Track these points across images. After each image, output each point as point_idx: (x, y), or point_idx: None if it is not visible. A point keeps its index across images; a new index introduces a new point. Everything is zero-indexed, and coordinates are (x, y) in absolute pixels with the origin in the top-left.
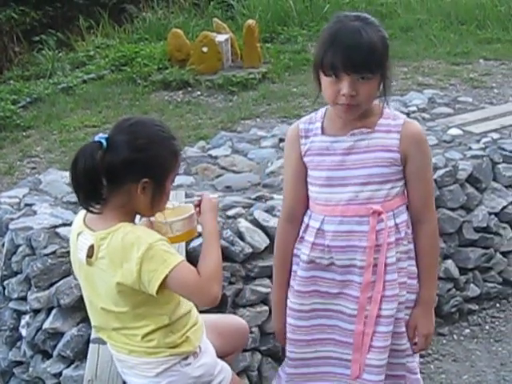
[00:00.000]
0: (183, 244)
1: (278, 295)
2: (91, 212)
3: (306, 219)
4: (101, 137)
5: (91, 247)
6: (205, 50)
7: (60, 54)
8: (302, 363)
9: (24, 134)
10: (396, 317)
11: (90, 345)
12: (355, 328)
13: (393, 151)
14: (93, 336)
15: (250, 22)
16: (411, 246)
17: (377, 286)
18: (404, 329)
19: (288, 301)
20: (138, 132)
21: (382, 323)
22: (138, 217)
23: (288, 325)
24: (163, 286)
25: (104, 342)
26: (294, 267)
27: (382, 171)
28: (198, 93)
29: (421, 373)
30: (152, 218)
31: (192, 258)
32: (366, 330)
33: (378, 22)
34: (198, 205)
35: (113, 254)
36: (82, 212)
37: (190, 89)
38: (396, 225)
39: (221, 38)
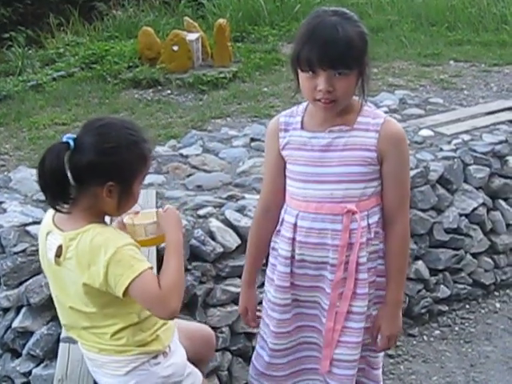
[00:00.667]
0: (154, 250)
1: (246, 278)
2: (59, 211)
3: (282, 212)
4: (68, 137)
5: (60, 247)
6: (175, 48)
7: (30, 52)
8: (286, 353)
9: None
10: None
11: (60, 344)
12: (326, 324)
13: (370, 150)
14: (63, 335)
15: (221, 21)
16: (382, 246)
17: (348, 283)
18: (369, 324)
19: (269, 294)
20: (106, 135)
21: (354, 319)
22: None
23: (272, 318)
24: (127, 291)
25: (74, 342)
26: (272, 260)
27: (358, 170)
28: (169, 91)
29: (391, 373)
30: (125, 220)
31: None
32: (335, 327)
33: (357, 17)
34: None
35: (81, 255)
36: (51, 211)
37: (160, 87)
38: (368, 225)
39: (191, 36)
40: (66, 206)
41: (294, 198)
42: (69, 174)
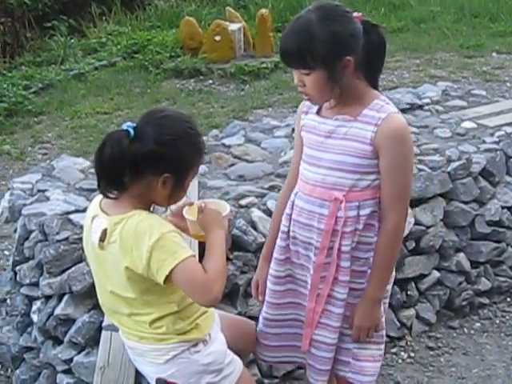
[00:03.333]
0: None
1: (264, 252)
2: (108, 198)
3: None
4: (129, 125)
5: (104, 231)
6: (217, 38)
7: (72, 41)
8: (275, 324)
9: (35, 119)
10: (350, 301)
11: (103, 332)
12: (307, 305)
13: (365, 143)
14: (105, 323)
15: (263, 11)
16: (377, 239)
17: (330, 267)
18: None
19: (270, 268)
20: (166, 126)
21: (335, 304)
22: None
23: (267, 289)
24: (170, 277)
25: (116, 329)
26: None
27: (352, 161)
28: (210, 81)
29: (430, 365)
30: (185, 214)
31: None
32: (316, 308)
33: (345, 14)
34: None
35: (125, 239)
36: (99, 196)
37: (201, 77)
38: (358, 216)
39: (234, 26)
40: (116, 192)
41: (300, 177)
42: (127, 162)
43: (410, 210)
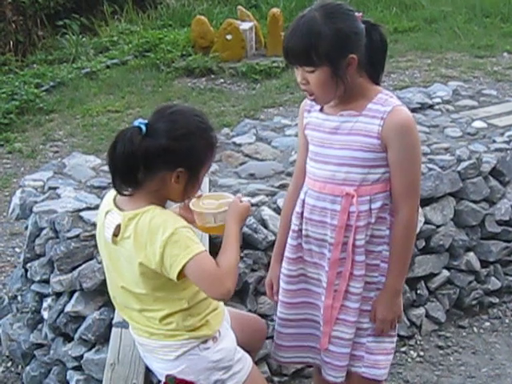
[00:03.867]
0: (206, 235)
1: (275, 252)
2: (123, 195)
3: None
4: (141, 122)
5: (118, 226)
6: (229, 37)
7: (83, 39)
8: (289, 323)
9: (47, 117)
10: (365, 295)
11: (113, 329)
12: (325, 302)
13: (372, 137)
14: (115, 320)
15: (275, 10)
16: (388, 232)
17: (346, 263)
18: (369, 308)
19: (282, 268)
20: (177, 121)
21: (351, 299)
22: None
23: (280, 288)
24: (183, 271)
25: (126, 326)
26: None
27: (360, 155)
28: (222, 80)
29: (440, 364)
30: (192, 205)
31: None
32: (334, 304)
33: (349, 13)
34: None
35: (139, 234)
36: (112, 191)
37: (213, 76)
38: (370, 209)
39: (245, 25)
40: (130, 189)
41: (308, 175)
42: (140, 158)
43: (420, 210)
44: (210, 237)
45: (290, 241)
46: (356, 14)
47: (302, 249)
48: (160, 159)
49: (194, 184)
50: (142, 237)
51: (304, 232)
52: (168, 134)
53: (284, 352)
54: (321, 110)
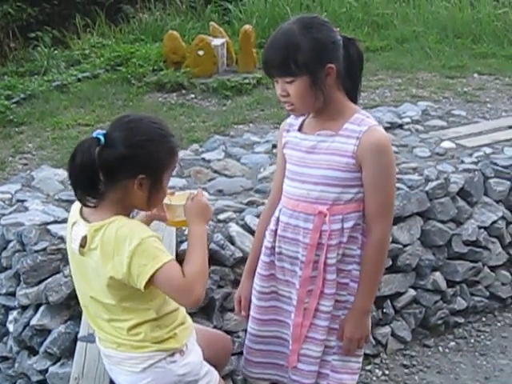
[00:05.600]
0: (174, 244)
1: (247, 268)
2: (87, 206)
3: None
4: (98, 133)
5: (84, 237)
6: (200, 53)
7: (55, 52)
8: (259, 339)
9: (17, 129)
10: (333, 313)
11: (78, 343)
12: (294, 320)
13: (347, 156)
14: (80, 334)
15: (247, 27)
16: (359, 252)
17: (317, 281)
18: (337, 326)
19: (254, 284)
20: (135, 129)
21: (321, 317)
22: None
23: (252, 304)
24: (150, 282)
25: (92, 340)
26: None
27: (335, 175)
28: (192, 96)
29: (405, 383)
30: (165, 201)
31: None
32: (304, 322)
33: (323, 24)
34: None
35: (105, 245)
36: (78, 203)
37: (184, 91)
38: (342, 229)
39: (217, 41)
40: (94, 200)
41: (284, 194)
42: (100, 169)
43: None
44: (176, 248)
45: (262, 257)
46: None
47: (274, 266)
48: (120, 167)
49: (158, 190)
50: (108, 247)
51: (277, 249)
52: (125, 141)
53: (253, 367)
54: (299, 129)
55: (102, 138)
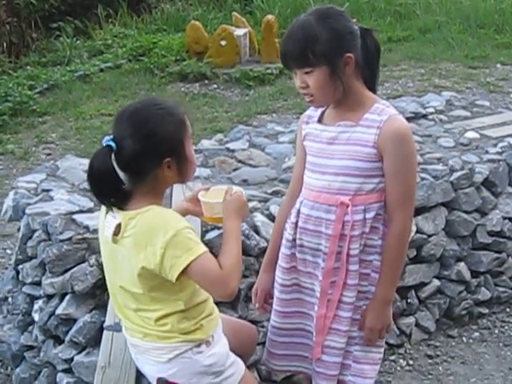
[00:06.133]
0: (199, 234)
1: (265, 262)
2: (120, 209)
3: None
4: (107, 140)
5: (118, 225)
6: (223, 43)
7: (78, 42)
8: (282, 332)
9: (40, 119)
10: (356, 304)
11: (104, 332)
12: (318, 311)
13: (369, 146)
14: (106, 323)
15: (269, 17)
16: (380, 242)
17: (340, 272)
18: (359, 316)
19: (276, 276)
20: (139, 121)
21: (344, 308)
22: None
23: (274, 297)
24: (183, 273)
25: (118, 329)
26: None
27: (356, 165)
28: (215, 86)
29: (429, 374)
30: (201, 197)
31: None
32: (327, 314)
33: (340, 14)
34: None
35: (139, 234)
36: None
37: (206, 81)
38: (364, 219)
39: (239, 32)
40: (122, 201)
41: (304, 186)
42: (121, 174)
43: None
44: (201, 238)
45: (283, 250)
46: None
47: (295, 258)
48: (143, 163)
49: (187, 163)
50: (142, 237)
51: (298, 242)
52: (136, 137)
53: (277, 360)
54: (319, 121)
55: (113, 144)
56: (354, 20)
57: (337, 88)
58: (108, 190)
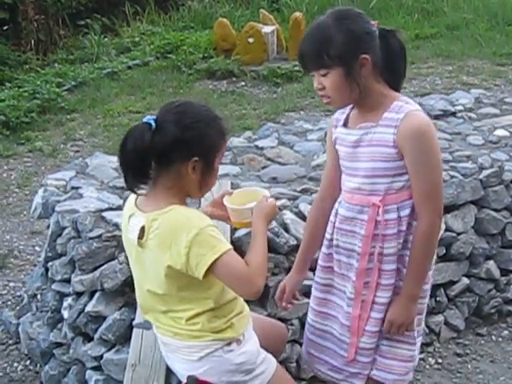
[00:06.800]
0: (228, 233)
1: (296, 263)
2: (137, 194)
3: None
4: (149, 118)
5: (142, 228)
6: (251, 40)
7: (105, 39)
8: (316, 332)
9: (68, 117)
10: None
11: (134, 330)
12: (352, 312)
13: (388, 146)
14: (136, 321)
15: (297, 14)
16: (411, 238)
17: (372, 273)
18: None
19: (315, 275)
20: (185, 112)
21: (376, 309)
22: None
23: (311, 295)
24: (209, 271)
25: (148, 327)
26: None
27: (381, 165)
28: (243, 83)
29: (458, 372)
30: (226, 202)
31: (236, 247)
32: (362, 315)
33: (359, 16)
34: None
35: (163, 235)
36: (133, 195)
37: (234, 79)
38: (399, 217)
39: (267, 29)
40: (144, 187)
41: (342, 187)
42: (153, 154)
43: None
44: (231, 235)
45: (323, 249)
46: (371, 22)
47: (332, 259)
48: (173, 151)
49: (211, 173)
50: (166, 237)
51: (335, 242)
52: (177, 124)
53: (316, 363)
54: (345, 124)
55: (153, 123)
56: (375, 22)
57: (353, 89)
58: (136, 167)
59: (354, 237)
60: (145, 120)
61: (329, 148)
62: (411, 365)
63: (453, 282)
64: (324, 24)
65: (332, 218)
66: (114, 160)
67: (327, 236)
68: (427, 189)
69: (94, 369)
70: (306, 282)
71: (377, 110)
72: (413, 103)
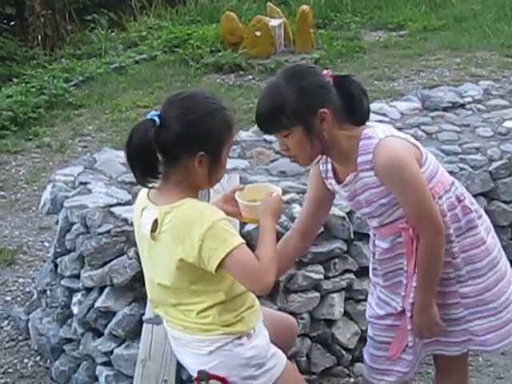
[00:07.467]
0: (237, 226)
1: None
2: (148, 188)
3: None
4: (153, 114)
5: (155, 221)
6: (258, 34)
7: (112, 34)
8: (378, 346)
9: (76, 112)
10: (448, 290)
11: (144, 325)
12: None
13: (378, 186)
14: (145, 316)
15: (304, 7)
16: (451, 232)
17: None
18: (456, 300)
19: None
20: (189, 106)
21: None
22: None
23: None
24: (221, 265)
25: (158, 322)
26: None
27: (385, 201)
28: (250, 76)
29: (469, 365)
30: (238, 198)
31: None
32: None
33: (308, 70)
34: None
35: (176, 228)
36: (145, 189)
37: (242, 72)
38: None
39: (274, 22)
40: (155, 181)
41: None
42: (158, 150)
43: None
44: (240, 230)
45: (371, 277)
46: (324, 72)
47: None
48: (179, 147)
49: (219, 166)
50: (179, 230)
51: (380, 272)
52: (181, 120)
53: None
54: (335, 176)
55: (157, 119)
56: (327, 71)
57: (314, 145)
58: (143, 162)
59: (400, 257)
60: (149, 116)
61: (316, 189)
62: (509, 328)
63: None
64: (276, 86)
65: (371, 247)
66: (122, 155)
67: (371, 266)
68: (417, 211)
69: (104, 364)
70: (311, 275)
71: (349, 156)
72: (374, 131)
